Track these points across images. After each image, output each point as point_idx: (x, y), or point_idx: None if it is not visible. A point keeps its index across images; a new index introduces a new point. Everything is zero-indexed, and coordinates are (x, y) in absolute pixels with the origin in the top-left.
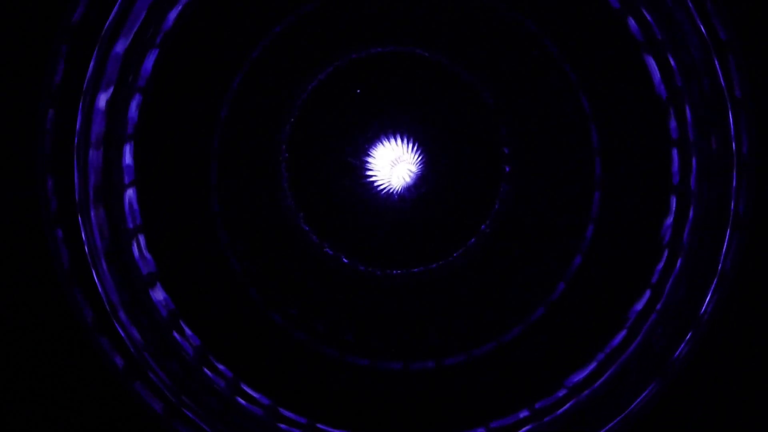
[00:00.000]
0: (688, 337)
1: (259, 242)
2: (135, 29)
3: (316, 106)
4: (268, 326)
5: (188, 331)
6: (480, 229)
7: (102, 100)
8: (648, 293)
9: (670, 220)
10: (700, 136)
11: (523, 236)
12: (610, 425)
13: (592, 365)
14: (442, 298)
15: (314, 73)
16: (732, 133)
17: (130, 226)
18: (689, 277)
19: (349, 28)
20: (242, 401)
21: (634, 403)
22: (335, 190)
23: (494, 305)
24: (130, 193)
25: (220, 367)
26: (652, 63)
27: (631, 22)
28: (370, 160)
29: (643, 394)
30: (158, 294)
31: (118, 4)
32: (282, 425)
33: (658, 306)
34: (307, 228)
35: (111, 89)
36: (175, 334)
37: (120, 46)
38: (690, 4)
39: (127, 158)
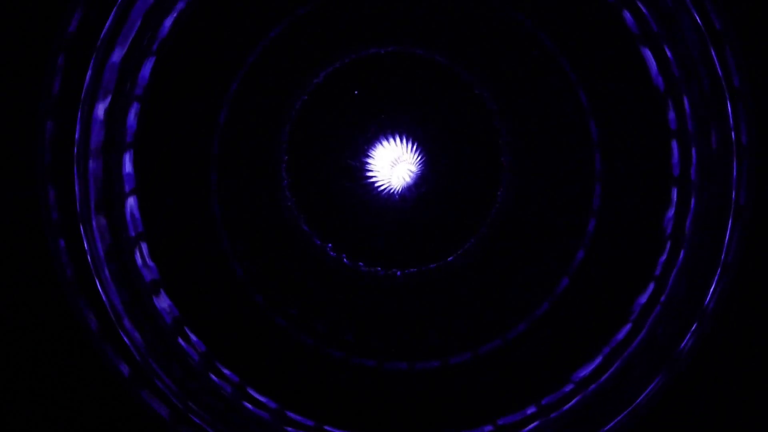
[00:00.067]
0: (693, 328)
1: (261, 245)
2: (131, 38)
3: (316, 108)
4: (274, 330)
5: (193, 337)
6: (482, 226)
7: (100, 109)
8: (652, 286)
9: (671, 212)
10: (699, 127)
11: (524, 233)
12: (617, 419)
13: (598, 359)
14: (446, 297)
15: (313, 75)
16: (731, 123)
17: (132, 234)
18: (692, 269)
19: (348, 29)
20: (249, 405)
21: (641, 396)
22: (336, 192)
23: (498, 303)
24: (131, 201)
25: (226, 372)
26: (648, 55)
27: (627, 15)
28: (369, 160)
29: (650, 387)
30: (162, 301)
31: (113, 13)
32: (289, 428)
33: (662, 298)
34: (308, 230)
35: (109, 98)
36: (180, 341)
37: (116, 55)
38: None
39: (127, 167)
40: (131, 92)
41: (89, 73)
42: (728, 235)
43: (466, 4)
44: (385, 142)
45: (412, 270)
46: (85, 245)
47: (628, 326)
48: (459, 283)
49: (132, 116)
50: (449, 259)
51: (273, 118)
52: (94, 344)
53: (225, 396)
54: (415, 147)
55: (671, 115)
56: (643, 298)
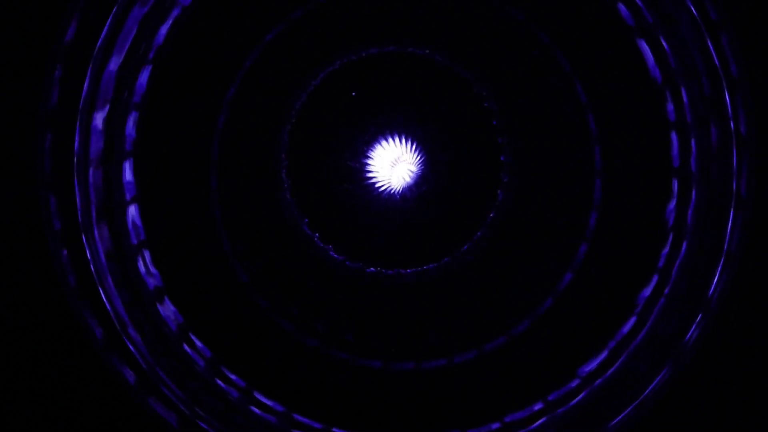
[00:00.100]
0: (698, 319)
1: (263, 249)
2: (127, 46)
3: (315, 109)
4: (279, 333)
5: (198, 343)
6: (484, 225)
7: (98, 119)
8: (655, 278)
9: (673, 203)
10: (697, 118)
11: (526, 231)
12: (624, 412)
13: (604, 354)
14: (450, 296)
15: (312, 76)
16: (730, 113)
17: (134, 242)
18: (696, 260)
19: (348, 29)
20: (256, 410)
21: (648, 389)
22: (337, 193)
23: (501, 300)
24: (132, 209)
25: (233, 377)
26: (645, 47)
27: (621, 8)
28: (369, 161)
29: (657, 379)
30: (166, 308)
31: (108, 22)
32: (297, 431)
33: (666, 290)
34: (310, 232)
35: (107, 107)
36: (186, 347)
37: (113, 64)
38: None
39: (128, 175)
40: (129, 101)
41: (87, 83)
42: (730, 225)
43: (466, 4)
44: (384, 143)
45: (415, 269)
46: (88, 255)
47: (633, 320)
48: (462, 281)
49: (131, 125)
50: (452, 257)
51: (272, 121)
52: (99, 353)
53: (232, 401)
54: (415, 147)
55: (669, 106)
56: (647, 291)
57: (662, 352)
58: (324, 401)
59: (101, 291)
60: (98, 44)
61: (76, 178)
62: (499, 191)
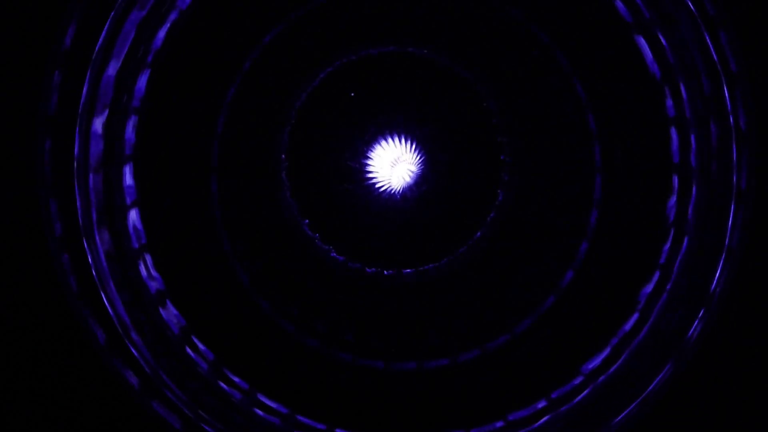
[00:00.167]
0: (701, 314)
1: (265, 251)
2: (125, 50)
3: (315, 110)
4: (281, 335)
5: (201, 346)
6: (485, 223)
7: (98, 123)
8: (657, 274)
9: (673, 199)
10: (697, 113)
11: (527, 228)
12: (628, 409)
13: (606, 351)
14: (452, 295)
15: (312, 76)
16: (729, 107)
17: (136, 246)
18: (697, 255)
19: (348, 29)
20: (260, 412)
21: (652, 385)
22: (337, 194)
23: (503, 299)
24: (133, 213)
25: (236, 379)
26: (643, 43)
27: (619, 4)
28: (369, 161)
29: (660, 376)
30: (168, 311)
31: (106, 26)
32: None
33: (668, 286)
34: (311, 234)
35: (106, 112)
36: (188, 350)
37: (112, 69)
38: None
39: (128, 179)
40: (128, 105)
41: (85, 87)
42: (731, 220)
43: (466, 4)
44: (384, 143)
45: (416, 269)
46: (89, 259)
47: (635, 316)
48: (464, 280)
49: (130, 129)
50: (453, 257)
51: (272, 123)
52: (102, 357)
53: (235, 403)
54: (414, 147)
55: (669, 102)
56: (649, 288)
57: (665, 349)
58: (327, 402)
59: (103, 295)
60: (96, 49)
61: (76, 183)
62: (499, 190)
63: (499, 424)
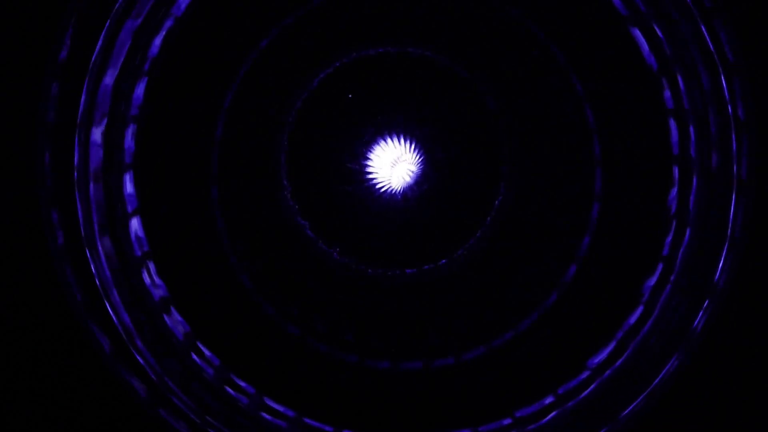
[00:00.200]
0: (705, 305)
1: (268, 255)
2: (122, 59)
3: (314, 112)
4: (286, 339)
5: (207, 352)
6: (487, 221)
7: (97, 133)
8: (660, 266)
9: (674, 191)
10: (695, 104)
11: (529, 225)
12: (635, 402)
13: (612, 345)
14: (455, 294)
15: (311, 77)
16: (727, 97)
17: (138, 254)
18: (700, 246)
19: (348, 29)
20: (267, 416)
21: (658, 378)
22: (338, 196)
23: (507, 296)
24: (134, 222)
25: (242, 384)
26: (639, 36)
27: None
28: (369, 162)
29: (666, 368)
30: (173, 318)
31: (102, 35)
32: None
33: (672, 278)
34: (314, 236)
35: (104, 121)
36: (194, 356)
37: (109, 78)
38: None
39: (128, 187)
40: (127, 113)
41: (83, 97)
42: (733, 210)
43: (466, 4)
44: (384, 143)
45: (420, 268)
46: (93, 269)
47: (640, 309)
48: (467, 279)
49: (129, 137)
50: (456, 255)
51: (271, 126)
52: (108, 367)
53: (242, 408)
54: (414, 146)
55: (667, 94)
56: (653, 280)
57: (671, 340)
58: (334, 404)
59: (107, 304)
60: (93, 58)
61: (77, 193)
62: (500, 188)
63: (507, 421)
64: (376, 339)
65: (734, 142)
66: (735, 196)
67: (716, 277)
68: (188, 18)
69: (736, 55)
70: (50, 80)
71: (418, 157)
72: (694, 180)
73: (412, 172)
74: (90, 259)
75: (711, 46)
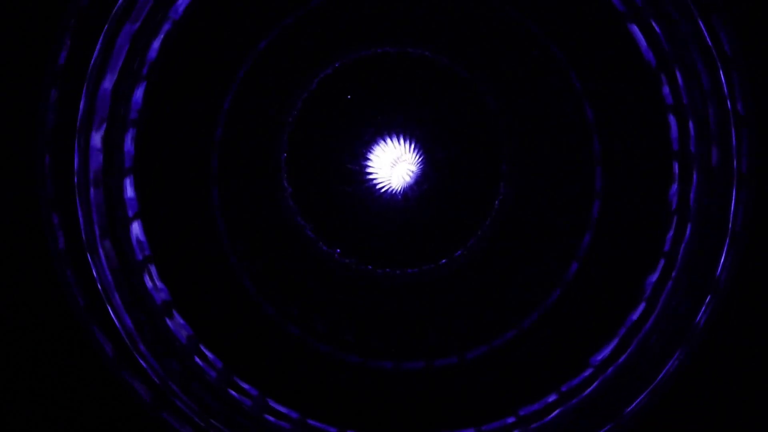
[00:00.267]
0: (708, 300)
1: (269, 257)
2: (120, 63)
3: (314, 113)
4: (288, 340)
5: (209, 355)
6: (487, 220)
7: (96, 137)
8: (662, 262)
9: (675, 186)
10: (694, 99)
11: (530, 224)
12: (639, 398)
13: (615, 341)
14: (457, 294)
15: (309, 79)
16: (726, 91)
17: (140, 257)
18: (701, 241)
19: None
20: (270, 418)
21: (662, 373)
22: (339, 197)
23: (509, 295)
24: (135, 225)
25: (245, 386)
26: (637, 32)
27: None
28: (369, 162)
29: (669, 363)
30: (176, 322)
31: (100, 40)
32: None
33: (674, 273)
34: (315, 238)
35: (104, 126)
36: (197, 359)
37: (108, 82)
38: None
39: (129, 191)
40: (126, 117)
41: (82, 102)
42: (734, 204)
43: (466, 4)
44: (384, 143)
45: (422, 268)
46: (94, 273)
47: (642, 305)
48: (469, 278)
49: (129, 141)
50: (457, 255)
51: (270, 128)
52: (111, 371)
53: (246, 410)
54: (414, 146)
55: (665, 90)
56: (654, 276)
57: (673, 336)
58: (337, 405)
59: (109, 309)
60: (91, 63)
61: (77, 198)
62: (500, 186)
63: (511, 419)
64: (377, 339)
65: (734, 137)
66: (735, 191)
67: (718, 272)
68: (186, 21)
69: (735, 50)
70: (49, 86)
71: (418, 157)
72: (695, 176)
73: (412, 172)
74: (91, 264)
75: (709, 42)
